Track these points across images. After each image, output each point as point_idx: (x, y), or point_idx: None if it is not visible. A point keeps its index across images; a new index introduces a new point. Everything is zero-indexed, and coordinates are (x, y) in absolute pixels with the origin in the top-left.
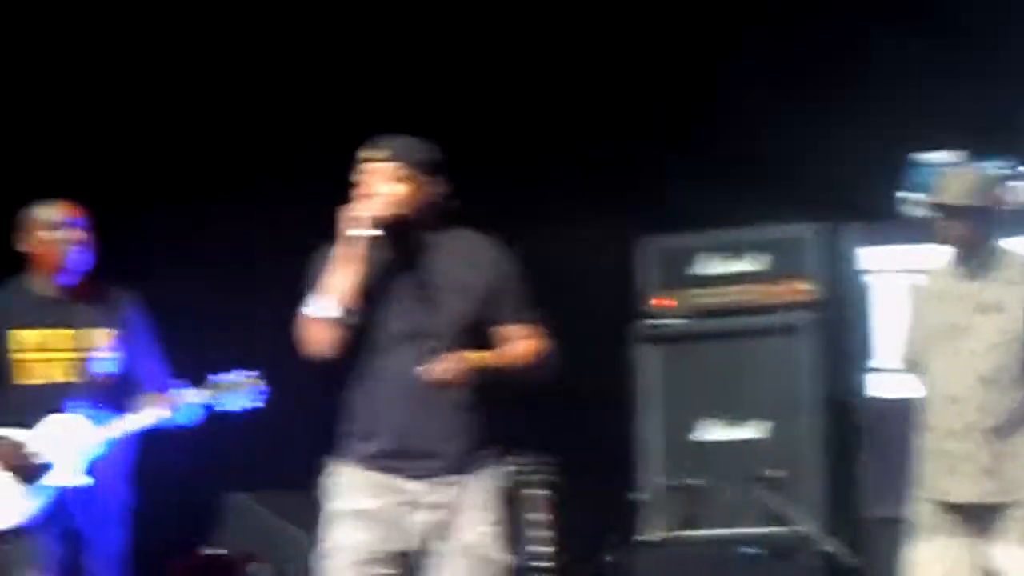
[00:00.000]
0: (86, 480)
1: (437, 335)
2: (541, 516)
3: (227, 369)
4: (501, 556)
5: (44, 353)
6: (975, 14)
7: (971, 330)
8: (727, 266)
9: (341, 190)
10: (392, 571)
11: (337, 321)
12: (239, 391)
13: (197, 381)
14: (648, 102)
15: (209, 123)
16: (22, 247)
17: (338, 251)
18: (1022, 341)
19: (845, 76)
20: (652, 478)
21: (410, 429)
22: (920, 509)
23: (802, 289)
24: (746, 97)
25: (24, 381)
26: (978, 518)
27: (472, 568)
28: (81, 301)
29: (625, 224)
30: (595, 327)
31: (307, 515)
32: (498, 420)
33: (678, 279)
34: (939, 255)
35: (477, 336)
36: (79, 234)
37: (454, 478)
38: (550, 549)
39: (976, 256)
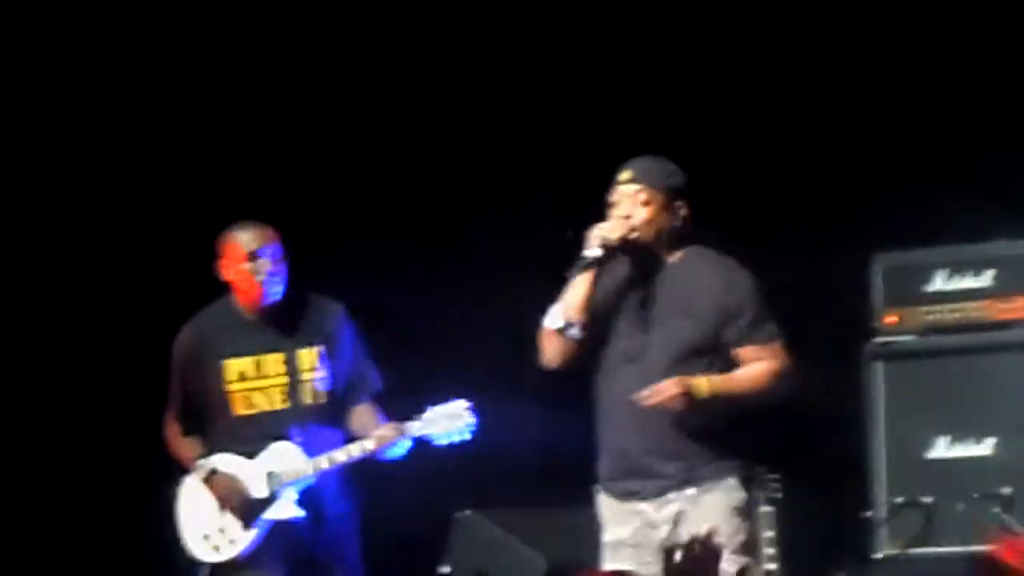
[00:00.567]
0: (297, 512)
1: (656, 358)
2: (768, 533)
3: (442, 396)
4: (731, 568)
5: (258, 381)
6: None
7: None
8: (959, 283)
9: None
10: None
11: (560, 333)
12: (451, 424)
13: (411, 411)
14: (875, 119)
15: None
16: (221, 275)
17: (576, 268)
18: None
19: None
20: (884, 495)
21: (630, 450)
22: None
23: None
24: (978, 111)
25: (242, 412)
26: None
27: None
28: (286, 321)
29: (857, 242)
30: (827, 345)
31: (537, 533)
32: (735, 436)
33: (910, 296)
34: None
35: (709, 358)
36: (272, 264)
37: (681, 494)
38: (776, 566)
39: None
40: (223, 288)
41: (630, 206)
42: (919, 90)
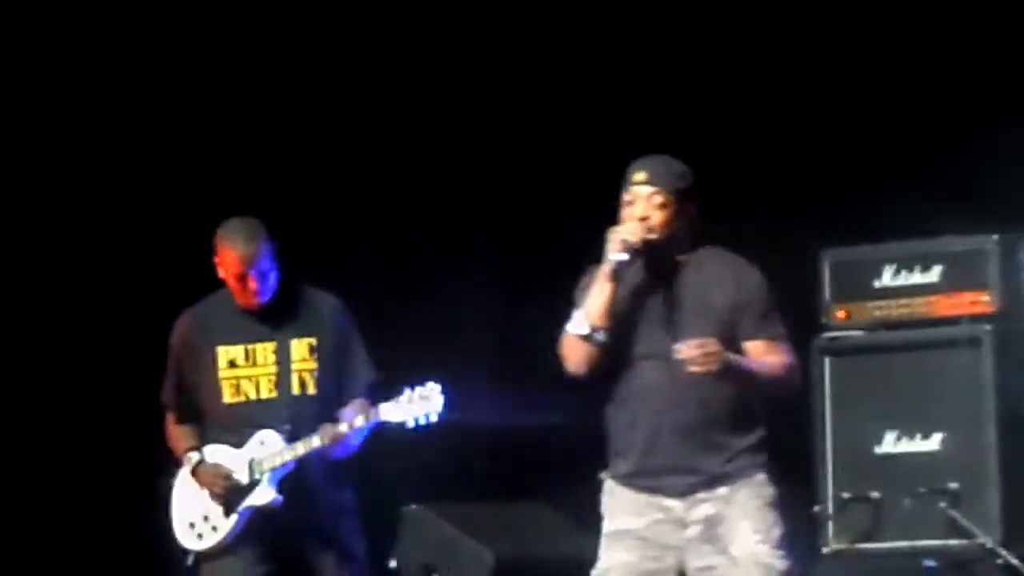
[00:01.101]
0: (276, 497)
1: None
2: None
3: (416, 381)
4: (775, 562)
5: (248, 369)
6: None
7: None
8: (907, 278)
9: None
10: None
11: (585, 339)
12: (422, 406)
13: (387, 395)
14: (823, 116)
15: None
16: (217, 271)
17: (599, 272)
18: None
19: None
20: (832, 490)
21: (655, 448)
22: None
23: (983, 301)
24: (927, 107)
25: (232, 400)
26: None
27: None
28: (279, 312)
29: (805, 237)
30: None
31: (486, 527)
32: (760, 433)
33: (858, 291)
34: None
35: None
36: (261, 279)
37: (713, 492)
38: None
39: None
40: (220, 281)
41: (646, 208)
42: (867, 87)
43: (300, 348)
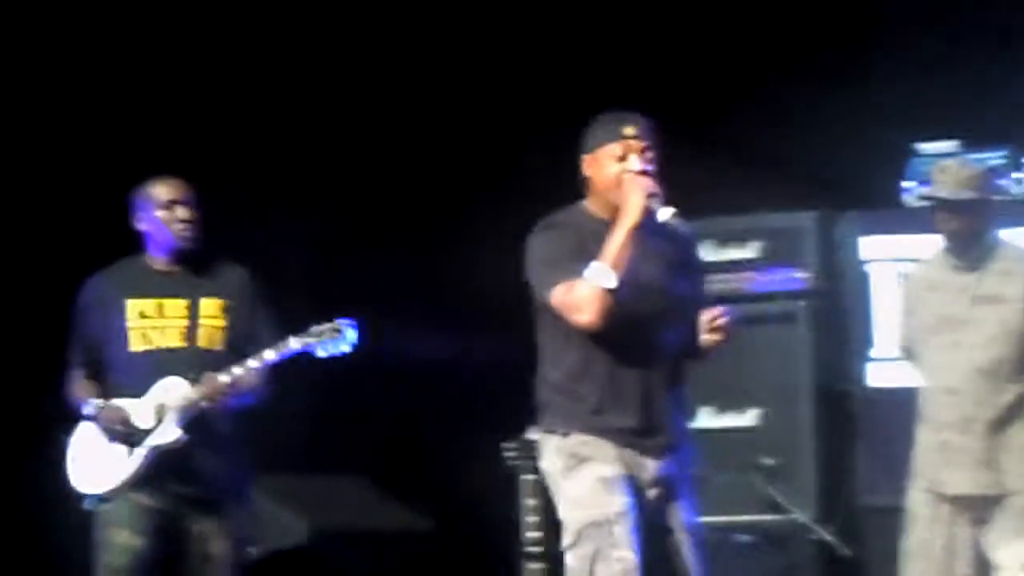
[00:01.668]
0: (181, 435)
1: (673, 314)
2: (532, 501)
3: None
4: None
5: (159, 320)
6: (976, 5)
7: (970, 322)
8: (725, 254)
9: None
10: None
11: (612, 292)
12: (332, 336)
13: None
14: (645, 90)
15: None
16: (136, 225)
17: (623, 223)
18: (1020, 333)
19: (847, 65)
20: None
21: (646, 406)
22: (916, 499)
23: (801, 277)
24: (747, 85)
25: (139, 348)
26: (974, 509)
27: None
28: (192, 273)
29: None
30: None
31: (301, 498)
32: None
33: None
34: (936, 244)
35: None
36: (190, 212)
37: (675, 456)
38: (541, 534)
39: (973, 248)
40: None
41: (642, 161)
42: (685, 59)
43: (210, 306)
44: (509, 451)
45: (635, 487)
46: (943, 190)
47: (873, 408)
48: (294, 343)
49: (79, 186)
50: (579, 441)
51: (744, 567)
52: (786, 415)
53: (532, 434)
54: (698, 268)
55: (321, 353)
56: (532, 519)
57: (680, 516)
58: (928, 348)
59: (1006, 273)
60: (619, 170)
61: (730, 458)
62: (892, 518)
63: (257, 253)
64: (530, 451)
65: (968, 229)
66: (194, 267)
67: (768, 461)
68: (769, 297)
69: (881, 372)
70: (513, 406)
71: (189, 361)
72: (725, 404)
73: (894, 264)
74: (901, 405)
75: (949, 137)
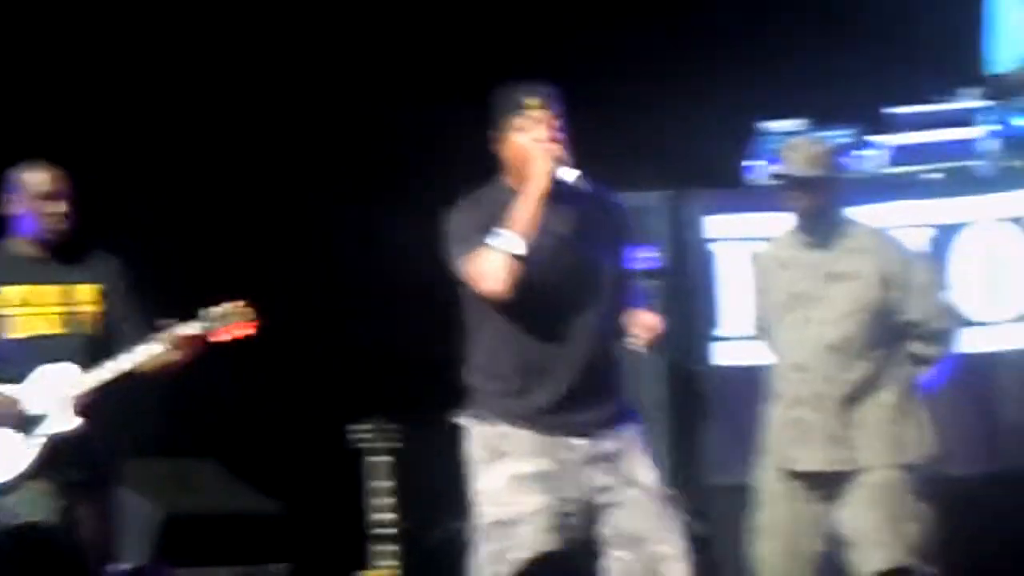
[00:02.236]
0: (78, 423)
1: (592, 283)
2: (385, 483)
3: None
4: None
5: (30, 308)
6: None
7: (823, 299)
8: None
9: None
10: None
11: (520, 259)
12: (229, 320)
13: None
14: (492, 64)
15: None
16: (5, 210)
17: (531, 189)
18: (872, 310)
19: (691, 43)
20: None
21: (575, 383)
22: (766, 476)
23: (650, 256)
24: (590, 62)
25: (11, 335)
26: (824, 485)
27: (661, 503)
28: (65, 260)
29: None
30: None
31: (156, 483)
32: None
33: None
34: (784, 223)
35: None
36: (63, 206)
37: (614, 430)
38: (393, 516)
39: (822, 225)
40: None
41: (548, 129)
42: (531, 39)
43: (86, 292)
44: (354, 433)
45: (561, 479)
46: (793, 167)
47: (720, 387)
48: (190, 328)
49: None
50: (499, 433)
51: None
52: (634, 395)
53: (457, 419)
54: (626, 239)
55: (224, 337)
56: (381, 501)
57: (639, 480)
58: (780, 325)
59: (859, 250)
60: (525, 141)
61: None
62: (742, 496)
63: (129, 239)
64: (379, 434)
65: (818, 206)
66: (67, 254)
67: None
68: None
69: (727, 351)
70: (365, 388)
71: (70, 347)
72: None
73: (739, 243)
74: (748, 383)
75: (793, 116)
